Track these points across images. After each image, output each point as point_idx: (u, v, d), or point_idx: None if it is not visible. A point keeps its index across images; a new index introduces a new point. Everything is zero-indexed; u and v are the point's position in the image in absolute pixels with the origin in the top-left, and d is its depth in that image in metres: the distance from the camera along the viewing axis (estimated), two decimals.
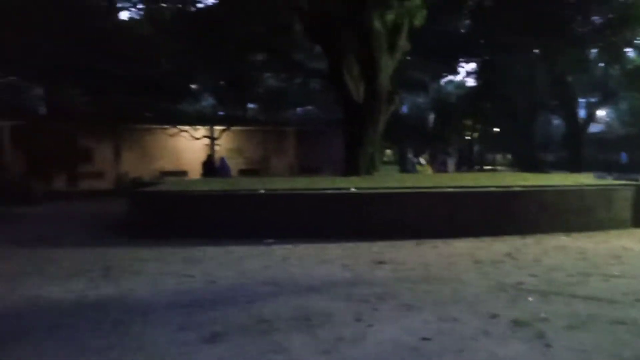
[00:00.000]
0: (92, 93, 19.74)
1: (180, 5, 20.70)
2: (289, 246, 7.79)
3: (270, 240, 8.09)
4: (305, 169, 21.99)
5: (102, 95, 19.29)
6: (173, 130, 21.11)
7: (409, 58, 17.61)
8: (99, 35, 16.89)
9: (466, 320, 4.39)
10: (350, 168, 13.22)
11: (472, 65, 29.68)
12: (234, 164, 20.57)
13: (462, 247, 7.74)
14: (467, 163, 31.53)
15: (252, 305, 4.90)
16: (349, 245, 7.83)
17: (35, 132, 18.79)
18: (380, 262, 6.71)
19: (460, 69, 30.57)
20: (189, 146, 21.44)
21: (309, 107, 28.23)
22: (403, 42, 13.53)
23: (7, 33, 14.23)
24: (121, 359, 3.68)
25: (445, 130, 29.19)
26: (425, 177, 16.40)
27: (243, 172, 21.32)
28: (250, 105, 26.26)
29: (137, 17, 21.25)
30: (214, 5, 20.68)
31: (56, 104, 19.83)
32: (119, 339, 4.02)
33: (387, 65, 13.21)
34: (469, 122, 31.52)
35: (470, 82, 31.44)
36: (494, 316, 4.48)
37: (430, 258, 7.02)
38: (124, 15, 20.38)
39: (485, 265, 6.56)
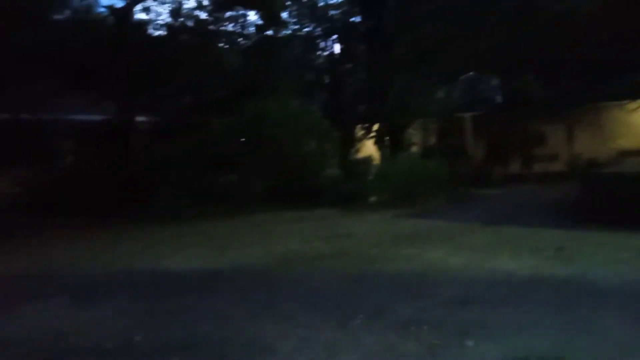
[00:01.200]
0: (543, 78, 19.97)
1: None
2: None
3: None
4: None
5: (553, 80, 19.26)
6: (633, 105, 19.04)
7: None
8: (548, 21, 16.94)
9: None
10: None
11: None
12: None
13: None
14: None
15: None
16: None
17: (492, 120, 20.69)
18: None
19: None
20: None
21: None
22: None
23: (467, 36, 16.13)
24: (570, 339, 3.88)
25: None
26: None
27: None
28: None
29: None
30: None
31: (510, 92, 21.05)
32: (567, 319, 4.21)
33: None
34: None
35: None
36: None
37: None
38: None
39: None
